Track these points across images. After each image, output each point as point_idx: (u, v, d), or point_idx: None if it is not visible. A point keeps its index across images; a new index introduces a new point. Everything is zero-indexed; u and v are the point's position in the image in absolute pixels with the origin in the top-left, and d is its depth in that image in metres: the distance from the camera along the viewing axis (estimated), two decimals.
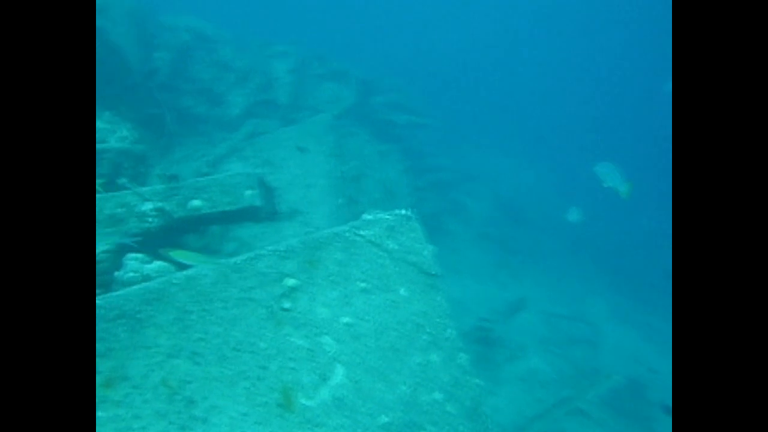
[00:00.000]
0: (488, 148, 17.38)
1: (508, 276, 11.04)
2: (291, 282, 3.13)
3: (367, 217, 3.53)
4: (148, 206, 3.81)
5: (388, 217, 3.55)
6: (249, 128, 7.88)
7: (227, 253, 5.19)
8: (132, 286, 2.78)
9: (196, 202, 3.98)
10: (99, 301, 2.64)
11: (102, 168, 4.42)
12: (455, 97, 21.00)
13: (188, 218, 4.03)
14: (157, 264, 3.19)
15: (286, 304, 3.07)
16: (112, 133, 4.61)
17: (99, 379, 2.51)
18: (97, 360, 2.55)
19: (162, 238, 3.97)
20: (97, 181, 4.33)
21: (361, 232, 3.44)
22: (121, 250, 3.41)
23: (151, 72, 7.65)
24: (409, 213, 3.63)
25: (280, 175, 6.68)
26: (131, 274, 3.10)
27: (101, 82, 6.76)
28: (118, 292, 2.71)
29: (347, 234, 3.41)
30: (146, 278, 3.14)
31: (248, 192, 4.15)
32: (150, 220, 3.79)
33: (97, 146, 4.39)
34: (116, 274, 3.11)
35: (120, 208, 3.90)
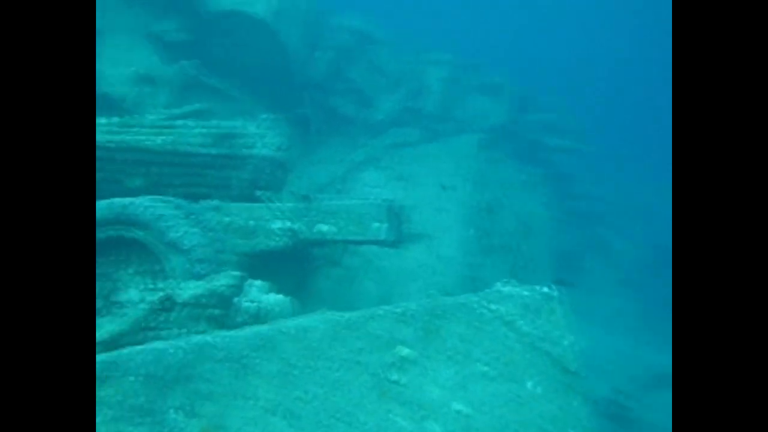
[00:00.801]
0: (647, 180, 15.37)
1: (651, 334, 9.56)
2: (404, 351, 2.80)
3: (501, 288, 3.05)
4: (277, 224, 3.78)
5: (525, 293, 3.03)
6: (391, 136, 7.75)
7: (346, 267, 5.09)
8: (243, 328, 2.69)
9: (323, 227, 3.87)
10: (209, 338, 2.59)
11: (244, 173, 4.53)
12: (619, 119, 18.93)
13: (313, 240, 3.94)
14: (275, 297, 3.11)
15: (395, 376, 2.75)
16: (261, 138, 4.70)
17: (199, 422, 2.45)
18: (201, 401, 2.49)
19: (286, 254, 3.93)
20: (234, 185, 4.46)
21: (492, 306, 2.98)
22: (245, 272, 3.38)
23: (309, 71, 7.87)
24: (552, 291, 3.07)
25: (412, 193, 6.42)
26: (248, 303, 3.05)
27: (265, 83, 7.14)
28: (228, 333, 2.64)
29: (475, 305, 2.97)
30: (262, 310, 3.06)
31: (375, 224, 3.93)
32: (277, 238, 3.76)
33: (244, 152, 4.51)
34: (235, 300, 3.10)
35: (252, 221, 3.93)
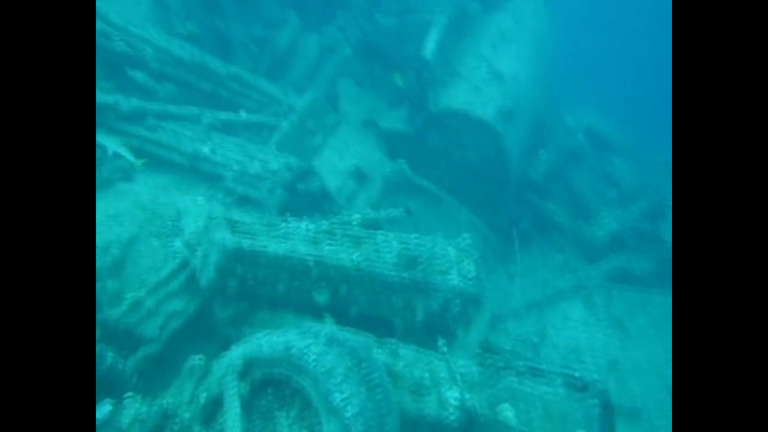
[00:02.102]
0: None
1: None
2: None
3: None
4: (452, 394, 3.18)
5: None
6: (612, 262, 6.54)
7: None
8: None
9: (508, 413, 3.12)
10: None
11: (433, 302, 4.08)
12: None
13: (486, 424, 3.20)
14: None
15: None
16: (457, 264, 4.23)
17: None
18: None
19: None
20: (419, 313, 4.04)
21: None
22: None
23: (529, 172, 7.25)
24: None
25: (631, 350, 5.16)
26: None
27: (479, 183, 6.78)
28: None
29: None
30: None
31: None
32: (450, 411, 3.15)
33: (438, 279, 4.08)
34: None
35: (427, 373, 3.41)
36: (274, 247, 3.65)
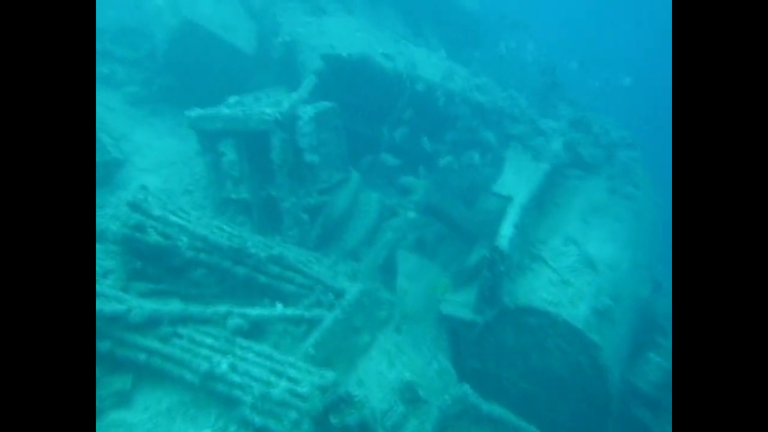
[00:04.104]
0: None
1: None
2: None
3: None
4: None
5: None
6: None
7: None
8: None
9: None
10: None
11: None
12: None
13: None
14: None
15: None
16: None
17: None
18: None
19: None
20: None
21: None
22: None
23: (634, 379, 5.71)
24: None
25: None
26: None
27: (563, 402, 5.38)
28: None
29: None
30: None
31: None
32: None
33: None
34: None
35: None
36: None
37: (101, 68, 8.15)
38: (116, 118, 7.67)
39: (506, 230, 5.21)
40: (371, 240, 6.64)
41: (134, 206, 4.38)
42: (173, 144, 7.47)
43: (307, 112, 5.68)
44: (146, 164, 7.04)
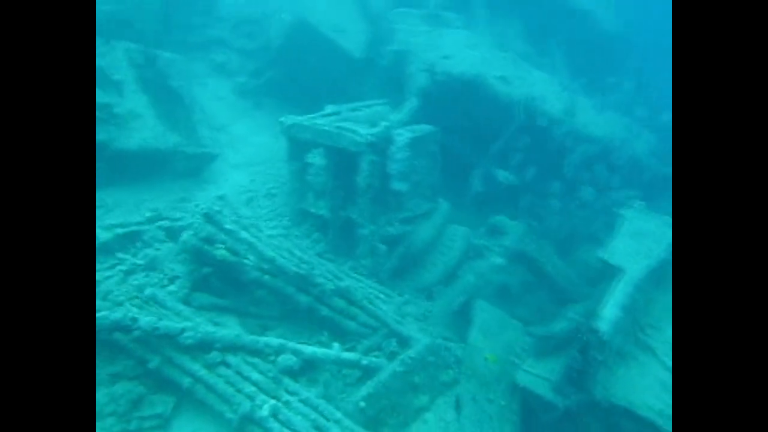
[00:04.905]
0: None
1: None
2: None
3: None
4: None
5: None
6: None
7: None
8: None
9: None
10: None
11: None
12: None
13: None
14: None
15: None
16: None
17: None
18: None
19: None
20: None
21: None
22: None
23: None
24: None
25: None
26: None
27: None
28: None
29: None
30: None
31: None
32: None
33: None
34: None
35: None
36: None
37: (218, 56, 8.31)
38: (222, 108, 7.77)
39: (610, 312, 4.37)
40: (450, 279, 6.06)
41: (208, 217, 4.21)
42: (267, 141, 7.40)
43: (402, 136, 5.21)
44: (238, 159, 7.03)
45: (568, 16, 9.16)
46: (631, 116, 8.00)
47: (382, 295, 5.19)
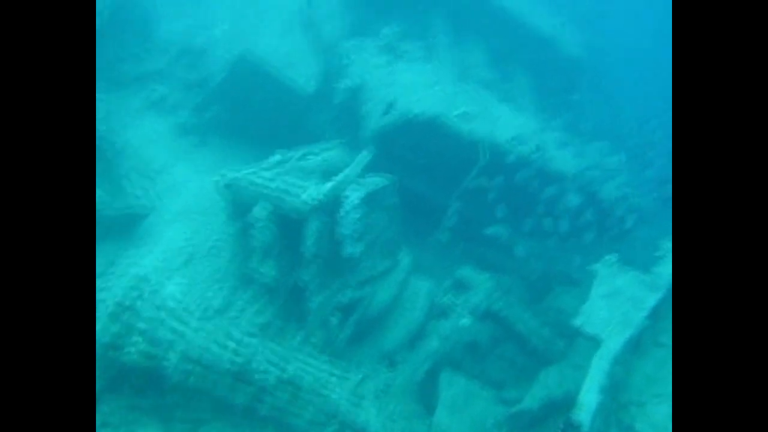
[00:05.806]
0: None
1: None
2: None
3: None
4: None
5: None
6: None
7: None
8: None
9: None
10: None
11: None
12: None
13: None
14: None
15: None
16: None
17: None
18: None
19: None
20: None
21: None
22: None
23: None
24: None
25: None
26: None
27: None
28: None
29: None
30: None
31: None
32: None
33: None
34: None
35: None
36: None
37: (155, 91, 7.56)
38: (159, 149, 7.02)
39: (589, 398, 3.90)
40: (414, 341, 5.51)
41: (115, 316, 3.53)
42: (211, 186, 6.70)
43: (354, 195, 4.64)
44: (177, 208, 6.30)
45: (532, 40, 8.81)
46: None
47: (335, 375, 4.59)
